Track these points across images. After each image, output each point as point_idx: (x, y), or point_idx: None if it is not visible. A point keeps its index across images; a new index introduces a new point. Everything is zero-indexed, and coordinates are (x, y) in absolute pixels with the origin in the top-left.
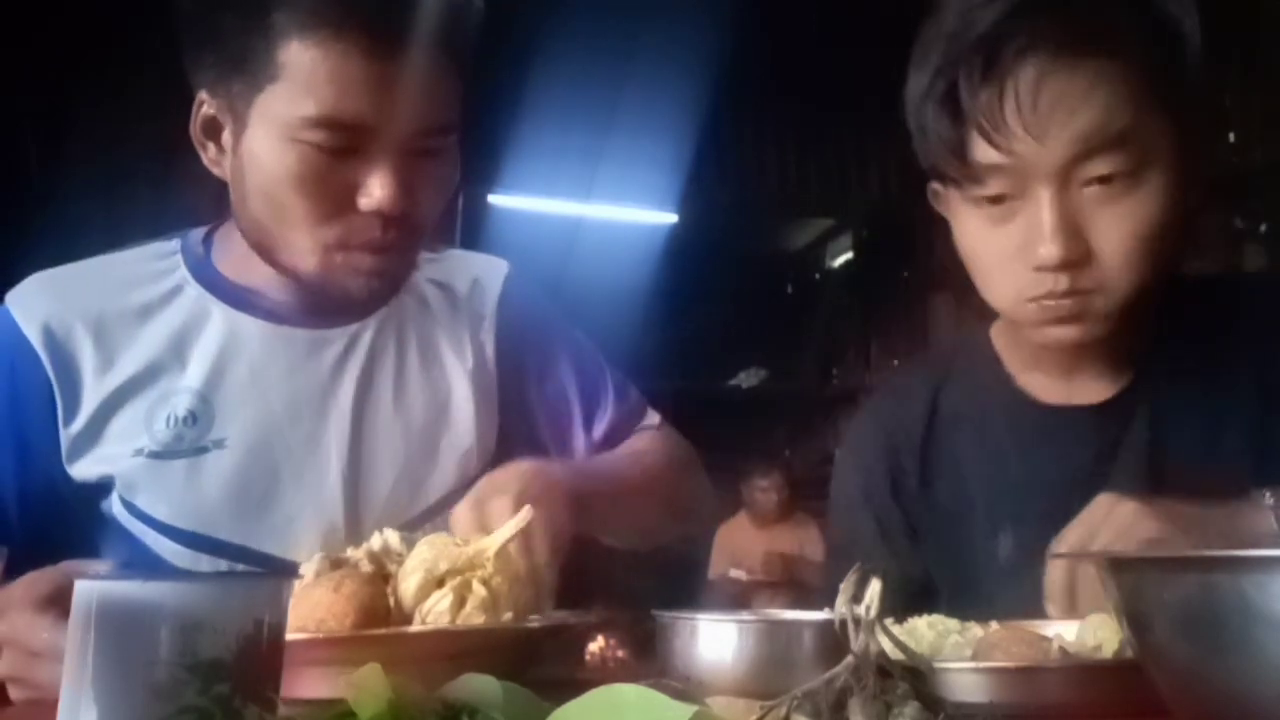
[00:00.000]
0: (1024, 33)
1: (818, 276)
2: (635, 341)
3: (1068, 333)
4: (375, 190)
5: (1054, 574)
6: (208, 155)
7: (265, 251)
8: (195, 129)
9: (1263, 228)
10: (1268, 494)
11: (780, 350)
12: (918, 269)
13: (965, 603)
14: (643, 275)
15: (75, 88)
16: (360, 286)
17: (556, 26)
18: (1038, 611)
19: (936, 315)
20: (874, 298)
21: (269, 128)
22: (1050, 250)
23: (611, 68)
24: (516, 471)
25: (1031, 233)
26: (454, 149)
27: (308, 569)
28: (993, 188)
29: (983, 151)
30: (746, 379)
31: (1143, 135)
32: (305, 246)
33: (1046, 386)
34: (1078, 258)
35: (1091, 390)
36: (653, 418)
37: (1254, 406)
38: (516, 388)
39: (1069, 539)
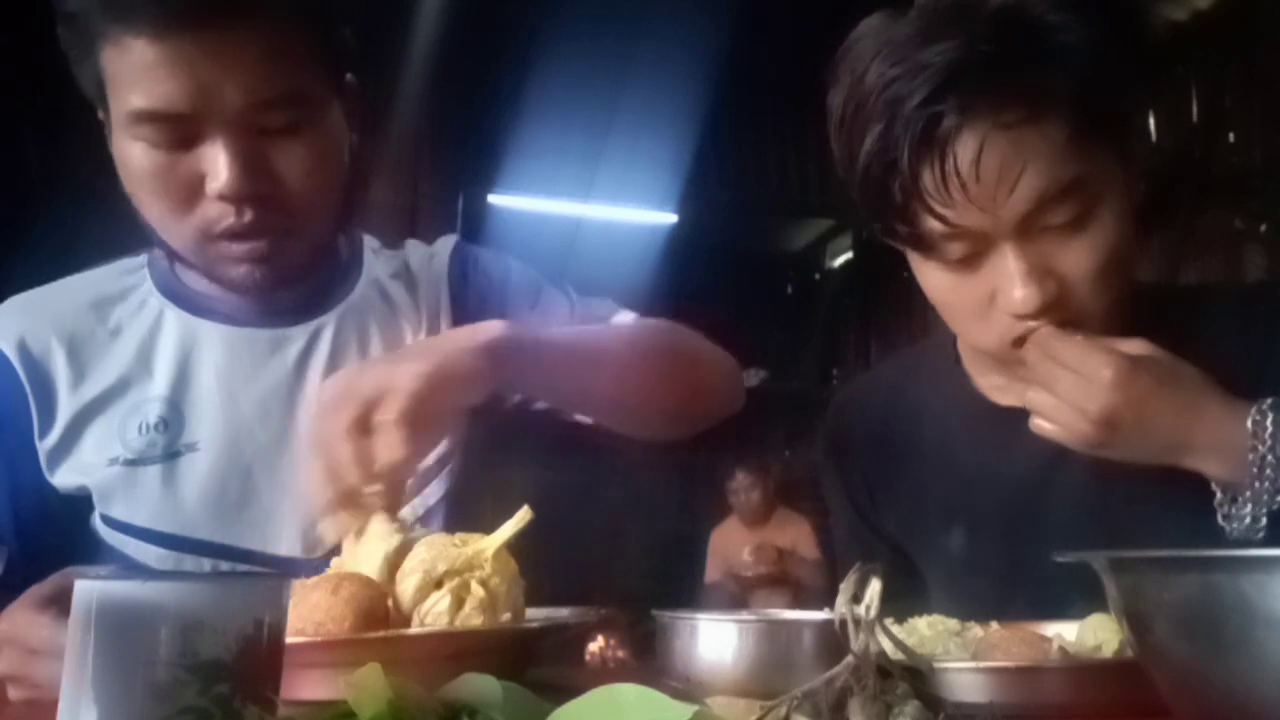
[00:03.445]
0: (956, 108)
1: (818, 276)
2: None
3: None
4: (217, 176)
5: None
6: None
7: (168, 250)
8: (110, 145)
9: (1263, 228)
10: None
11: (780, 350)
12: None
13: (923, 597)
14: (643, 275)
15: (76, 89)
16: (243, 275)
17: (556, 27)
18: (1028, 610)
19: (936, 315)
20: (874, 298)
21: (117, 129)
22: (1027, 299)
23: (611, 68)
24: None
25: (1001, 281)
26: (327, 123)
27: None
28: (952, 252)
29: (933, 222)
30: (746, 379)
31: (1089, 176)
32: (179, 242)
33: (1002, 389)
34: (1053, 300)
35: None
36: (627, 314)
37: None
38: None
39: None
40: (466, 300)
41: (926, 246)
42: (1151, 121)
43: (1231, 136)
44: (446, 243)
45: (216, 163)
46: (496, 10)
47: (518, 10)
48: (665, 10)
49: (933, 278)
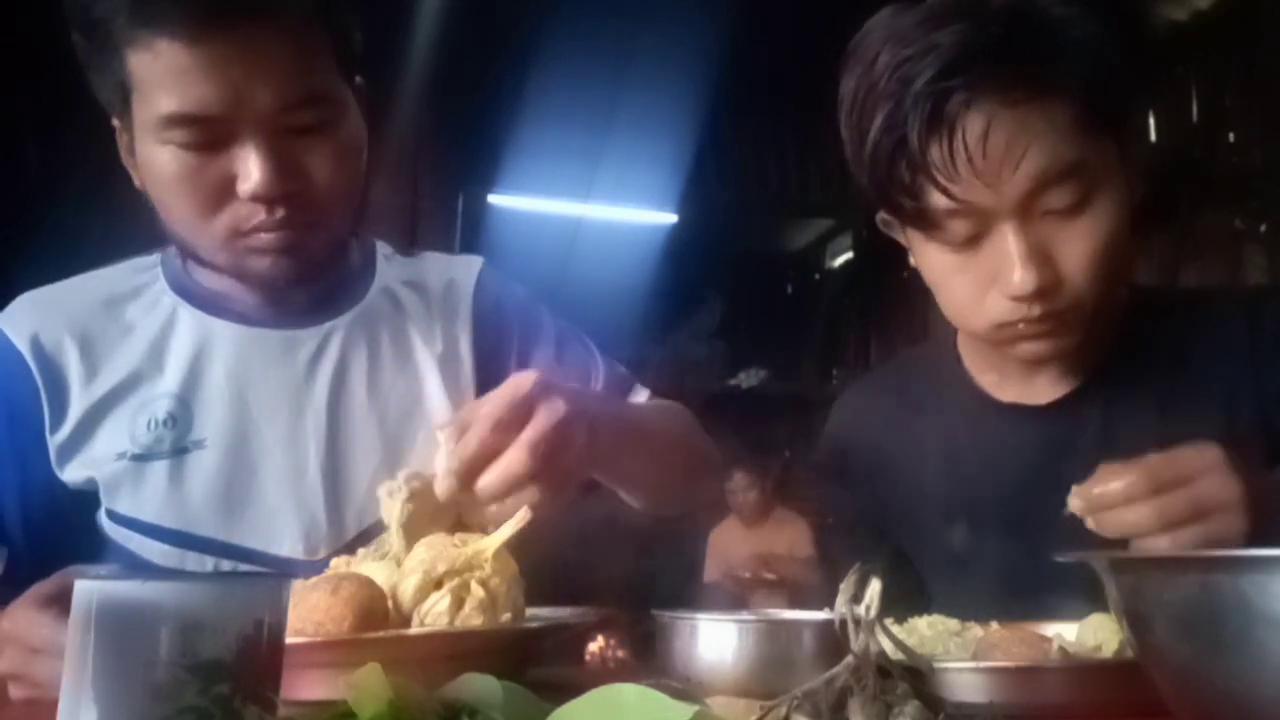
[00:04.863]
0: (964, 85)
1: (818, 276)
2: (635, 342)
3: (1042, 348)
4: (249, 177)
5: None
6: (136, 177)
7: (188, 252)
8: (123, 154)
9: (1263, 228)
10: None
11: (780, 350)
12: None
13: (922, 597)
14: (643, 275)
15: (77, 92)
16: (268, 267)
17: (556, 27)
18: (1028, 610)
19: (936, 315)
20: (874, 298)
21: (143, 135)
22: (1025, 279)
23: (611, 68)
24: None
25: (1000, 263)
26: (348, 121)
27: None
28: (955, 231)
29: (938, 198)
30: (746, 379)
31: (1090, 162)
32: (205, 241)
33: (1003, 385)
34: (1050, 284)
35: (1048, 391)
36: (642, 391)
37: (1213, 414)
38: (497, 372)
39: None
40: (487, 328)
41: (930, 224)
42: (1151, 121)
43: (1231, 136)
44: (473, 262)
45: (248, 164)
46: (496, 10)
47: (518, 10)
48: (665, 10)
49: (934, 259)
